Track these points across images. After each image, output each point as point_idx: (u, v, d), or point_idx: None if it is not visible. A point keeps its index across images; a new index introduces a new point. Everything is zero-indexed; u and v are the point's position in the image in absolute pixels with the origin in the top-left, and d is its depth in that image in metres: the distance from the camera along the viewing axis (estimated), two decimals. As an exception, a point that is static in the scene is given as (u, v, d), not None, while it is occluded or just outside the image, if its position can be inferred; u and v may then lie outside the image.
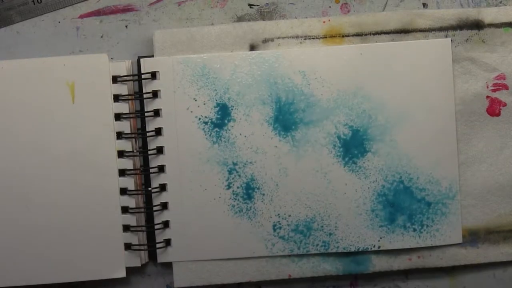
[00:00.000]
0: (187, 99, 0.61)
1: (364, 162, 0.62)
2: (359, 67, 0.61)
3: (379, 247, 0.62)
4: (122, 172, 0.62)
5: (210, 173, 0.62)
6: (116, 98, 0.62)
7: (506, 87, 0.63)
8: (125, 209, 0.62)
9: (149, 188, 0.62)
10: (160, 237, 0.63)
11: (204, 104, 0.61)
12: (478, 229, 0.63)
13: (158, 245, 0.62)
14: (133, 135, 0.62)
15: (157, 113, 0.62)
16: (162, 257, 0.63)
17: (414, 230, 0.62)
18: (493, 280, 0.65)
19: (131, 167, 0.62)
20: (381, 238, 0.62)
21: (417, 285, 0.65)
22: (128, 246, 0.62)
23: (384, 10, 0.64)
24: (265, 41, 0.63)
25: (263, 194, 0.62)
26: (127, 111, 0.62)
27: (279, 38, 0.63)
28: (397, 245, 0.62)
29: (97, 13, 0.64)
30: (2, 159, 0.61)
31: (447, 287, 0.65)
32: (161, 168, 0.62)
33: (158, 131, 0.62)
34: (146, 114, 0.62)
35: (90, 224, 0.62)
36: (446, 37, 0.62)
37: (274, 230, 0.62)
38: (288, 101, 0.61)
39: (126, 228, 0.62)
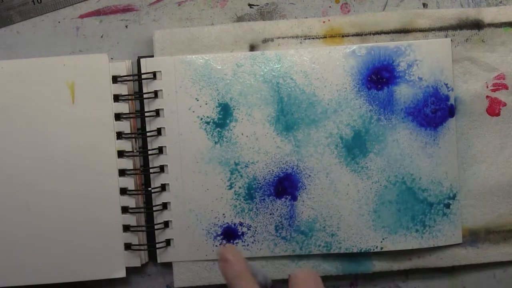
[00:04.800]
0: (189, 99, 0.61)
1: (366, 163, 0.62)
2: (360, 67, 0.61)
3: (381, 248, 0.62)
4: (122, 172, 0.62)
5: (212, 173, 0.62)
6: (116, 98, 0.62)
7: (506, 87, 0.63)
8: (125, 209, 0.62)
9: (149, 188, 0.62)
10: (160, 237, 0.63)
11: (206, 104, 0.61)
12: (478, 229, 0.63)
13: (158, 245, 0.62)
14: (133, 135, 0.62)
15: (158, 113, 0.62)
16: (162, 257, 0.63)
17: (417, 231, 0.62)
18: (493, 280, 0.65)
19: (131, 167, 0.62)
20: (383, 239, 0.62)
21: (417, 285, 0.65)
22: (128, 246, 0.62)
23: (384, 10, 0.64)
24: (265, 41, 0.63)
25: (265, 195, 0.62)
26: (127, 111, 0.62)
27: (279, 38, 0.63)
28: (399, 246, 0.62)
29: (97, 13, 0.64)
30: (2, 159, 0.61)
31: (447, 287, 0.65)
32: (162, 168, 0.62)
33: (159, 131, 0.62)
34: (147, 114, 0.62)
35: (90, 224, 0.62)
36: (446, 37, 0.62)
37: (276, 230, 0.62)
38: (290, 101, 0.61)
39: (126, 228, 0.62)
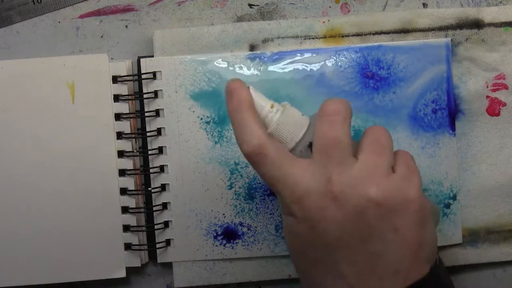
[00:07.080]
0: (189, 99, 0.61)
1: (366, 162, 0.62)
2: (360, 67, 0.61)
3: (381, 247, 0.62)
4: (122, 172, 0.62)
5: (212, 173, 0.62)
6: (116, 98, 0.62)
7: (506, 87, 0.63)
8: (125, 209, 0.62)
9: (149, 188, 0.62)
10: (160, 237, 0.63)
11: (206, 104, 0.61)
12: (478, 229, 0.63)
13: (158, 245, 0.62)
14: (133, 135, 0.62)
15: (158, 113, 0.62)
16: (162, 257, 0.63)
17: (417, 230, 0.62)
18: (493, 280, 0.65)
19: (131, 167, 0.62)
20: (383, 238, 0.62)
21: (417, 284, 0.65)
22: (128, 246, 0.62)
23: (384, 10, 0.64)
24: (265, 41, 0.62)
25: (266, 194, 0.62)
26: (127, 111, 0.62)
27: (279, 38, 0.62)
28: (399, 245, 0.62)
29: (97, 13, 0.64)
30: (2, 159, 0.61)
31: (447, 287, 0.65)
32: (162, 168, 0.62)
33: (159, 131, 0.62)
34: (147, 114, 0.62)
35: (90, 224, 0.62)
36: (446, 36, 0.62)
37: (277, 230, 0.62)
38: (290, 101, 0.61)
39: (126, 228, 0.62)
